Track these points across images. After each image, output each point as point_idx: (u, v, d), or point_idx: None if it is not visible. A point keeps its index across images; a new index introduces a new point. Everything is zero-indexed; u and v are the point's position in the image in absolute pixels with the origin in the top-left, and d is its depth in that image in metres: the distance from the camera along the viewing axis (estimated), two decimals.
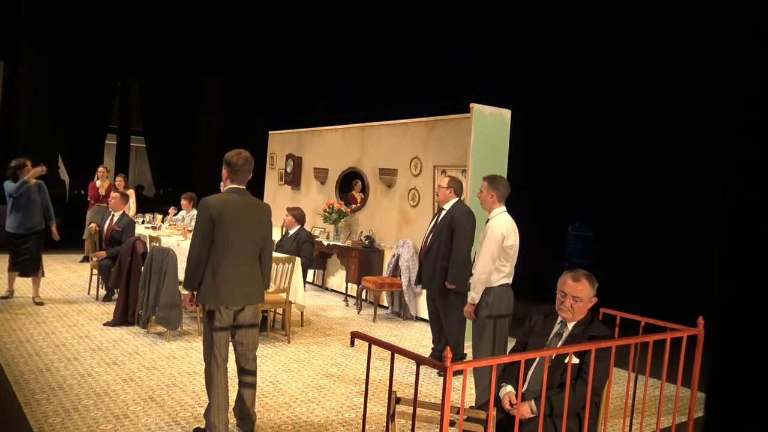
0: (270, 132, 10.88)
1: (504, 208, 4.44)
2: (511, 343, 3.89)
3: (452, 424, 2.80)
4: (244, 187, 3.71)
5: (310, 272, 8.96)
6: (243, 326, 3.71)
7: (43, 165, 6.66)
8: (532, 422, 2.91)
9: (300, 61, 12.76)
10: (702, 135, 7.97)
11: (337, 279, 8.85)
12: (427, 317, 6.18)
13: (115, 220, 7.31)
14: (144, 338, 5.78)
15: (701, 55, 7.77)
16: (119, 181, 9.89)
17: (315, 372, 5.14)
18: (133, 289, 6.17)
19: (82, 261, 9.83)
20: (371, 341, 2.68)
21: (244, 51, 13.48)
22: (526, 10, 9.51)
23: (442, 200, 5.46)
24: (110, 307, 6.61)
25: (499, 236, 4.28)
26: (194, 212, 8.21)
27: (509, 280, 4.41)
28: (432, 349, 5.68)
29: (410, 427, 2.49)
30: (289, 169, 10.05)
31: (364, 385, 3.88)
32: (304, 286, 6.40)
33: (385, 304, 7.75)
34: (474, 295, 4.39)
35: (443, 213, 5.41)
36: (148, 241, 6.66)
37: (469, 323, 4.79)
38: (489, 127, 6.61)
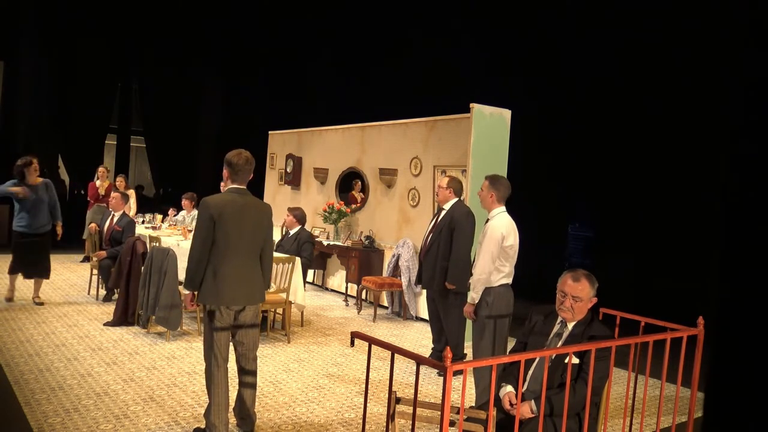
0: (270, 132, 10.89)
1: (503, 208, 4.44)
2: (511, 343, 3.89)
3: (452, 424, 2.80)
4: (244, 187, 3.72)
5: (310, 272, 8.96)
6: (244, 326, 3.72)
7: (25, 189, 6.45)
8: (532, 422, 2.92)
9: (300, 61, 12.76)
10: (702, 135, 7.97)
11: (337, 279, 8.85)
12: (427, 317, 6.18)
13: (115, 220, 7.31)
14: (144, 338, 5.78)
15: (701, 55, 7.77)
16: (120, 182, 9.90)
17: (315, 372, 5.14)
18: (133, 289, 6.17)
19: (83, 261, 9.84)
20: (371, 341, 2.68)
21: (244, 51, 13.48)
22: (526, 10, 9.51)
23: (441, 200, 5.46)
24: (110, 307, 6.61)
25: (498, 236, 4.28)
26: (195, 212, 8.21)
27: (509, 280, 4.41)
28: (432, 349, 5.68)
29: (410, 427, 2.49)
30: (289, 169, 10.05)
31: (364, 385, 3.88)
32: (304, 286, 6.40)
33: (385, 304, 7.75)
34: (474, 295, 4.39)
35: (443, 213, 5.41)
36: (148, 241, 6.66)
37: (469, 323, 4.79)
38: (489, 127, 6.61)
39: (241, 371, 3.79)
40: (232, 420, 3.87)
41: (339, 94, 11.64)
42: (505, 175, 5.86)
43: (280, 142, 10.55)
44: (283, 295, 6.02)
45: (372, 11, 10.98)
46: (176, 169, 13.68)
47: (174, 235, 7.46)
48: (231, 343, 3.74)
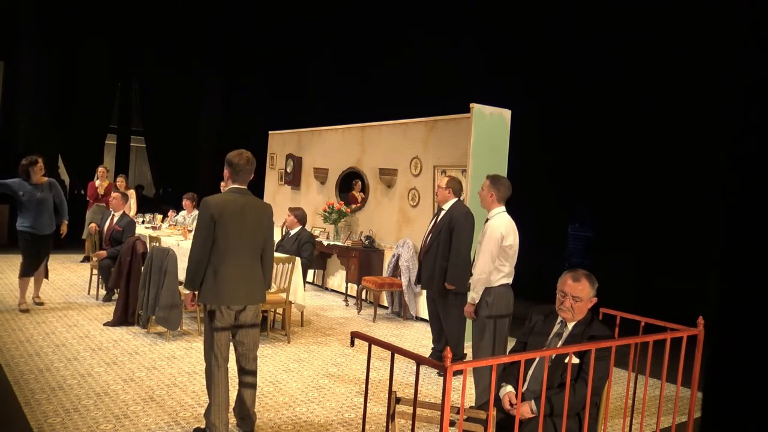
0: (270, 132, 10.89)
1: (503, 208, 4.44)
2: (511, 343, 3.89)
3: (452, 424, 2.80)
4: (245, 187, 3.72)
5: (310, 272, 8.96)
6: (244, 326, 3.72)
7: None
8: (532, 422, 2.92)
9: (300, 61, 12.76)
10: (702, 135, 7.97)
11: (337, 279, 8.85)
12: (427, 317, 6.19)
13: (115, 220, 7.32)
14: (144, 338, 5.78)
15: (701, 55, 7.77)
16: (120, 182, 9.90)
17: (315, 372, 5.14)
18: (133, 289, 6.17)
19: (83, 261, 9.84)
20: (371, 341, 2.68)
21: (244, 51, 13.48)
22: (526, 10, 9.51)
23: (440, 200, 5.46)
24: (110, 307, 6.60)
25: (498, 236, 4.28)
26: (196, 213, 8.21)
27: (509, 280, 4.41)
28: (432, 349, 5.68)
29: (410, 427, 2.49)
30: (289, 169, 10.05)
31: (364, 385, 3.88)
32: (304, 286, 6.40)
33: (385, 304, 7.75)
34: (474, 295, 4.39)
35: (442, 213, 5.41)
36: (148, 241, 6.65)
37: (469, 323, 4.79)
38: (489, 127, 6.61)
39: (242, 371, 3.79)
40: (232, 420, 3.87)
41: (339, 94, 11.64)
42: (505, 175, 5.87)
43: (280, 142, 10.55)
44: (283, 295, 6.02)
45: (372, 11, 10.98)
46: (176, 169, 13.68)
47: (174, 235, 7.46)
48: (231, 343, 3.74)
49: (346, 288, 8.22)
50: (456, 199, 5.41)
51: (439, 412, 2.34)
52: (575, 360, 2.98)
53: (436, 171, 7.29)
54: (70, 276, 8.66)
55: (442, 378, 3.27)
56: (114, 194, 7.54)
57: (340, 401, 4.50)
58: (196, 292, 3.64)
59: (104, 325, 6.12)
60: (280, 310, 6.36)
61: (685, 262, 8.23)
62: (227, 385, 3.67)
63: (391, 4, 10.73)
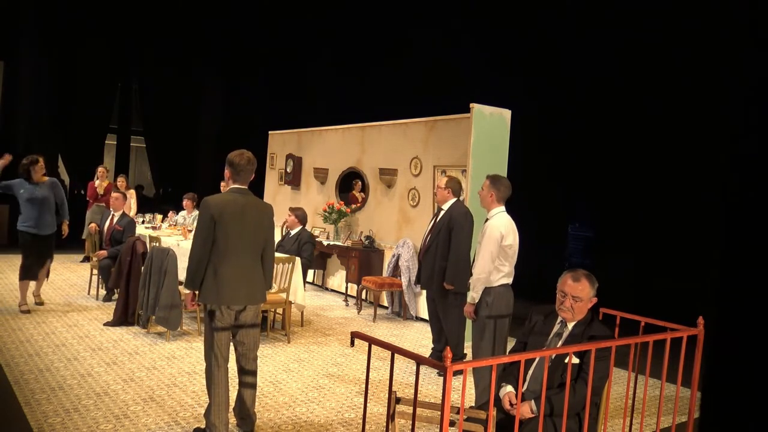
0: (270, 132, 10.89)
1: (503, 208, 4.43)
2: (511, 343, 3.89)
3: (452, 424, 2.80)
4: (246, 187, 3.72)
5: (310, 272, 8.96)
6: (244, 326, 3.72)
7: (7, 155, 6.38)
8: (532, 422, 2.92)
9: (300, 61, 12.76)
10: (702, 135, 7.97)
11: (337, 279, 8.85)
12: (427, 317, 6.19)
13: (115, 219, 7.32)
14: (144, 338, 5.78)
15: (701, 55, 7.77)
16: (120, 182, 9.90)
17: (315, 372, 5.14)
18: (133, 289, 6.17)
19: (83, 261, 9.84)
20: (371, 341, 2.68)
21: (244, 51, 13.48)
22: (526, 10, 9.51)
23: (440, 200, 5.47)
24: (110, 307, 6.61)
25: (497, 235, 4.28)
26: (196, 213, 8.22)
27: (509, 280, 4.41)
28: (432, 349, 5.68)
29: (410, 427, 2.49)
30: (289, 169, 10.05)
31: (364, 385, 3.88)
32: (304, 286, 6.40)
33: (385, 304, 7.75)
34: (474, 295, 4.39)
35: (442, 213, 5.41)
36: (148, 241, 6.65)
37: (469, 323, 4.79)
38: (489, 127, 6.61)
39: (242, 371, 3.79)
40: (232, 420, 3.87)
41: (339, 94, 11.64)
42: (505, 175, 5.87)
43: (280, 142, 10.55)
44: (283, 295, 6.02)
45: (372, 11, 10.98)
46: (176, 169, 13.68)
47: (174, 235, 7.46)
48: (231, 343, 3.74)
49: (346, 288, 8.22)
50: (455, 199, 5.41)
51: (439, 412, 2.34)
52: (575, 360, 2.98)
53: (436, 171, 7.29)
54: (70, 276, 8.66)
55: (442, 378, 3.27)
56: (114, 194, 7.54)
57: (340, 401, 4.51)
58: (197, 292, 3.64)
59: (104, 325, 6.12)
60: (280, 310, 6.36)
61: (685, 262, 8.23)
62: (227, 385, 3.67)
63: (391, 4, 10.73)
